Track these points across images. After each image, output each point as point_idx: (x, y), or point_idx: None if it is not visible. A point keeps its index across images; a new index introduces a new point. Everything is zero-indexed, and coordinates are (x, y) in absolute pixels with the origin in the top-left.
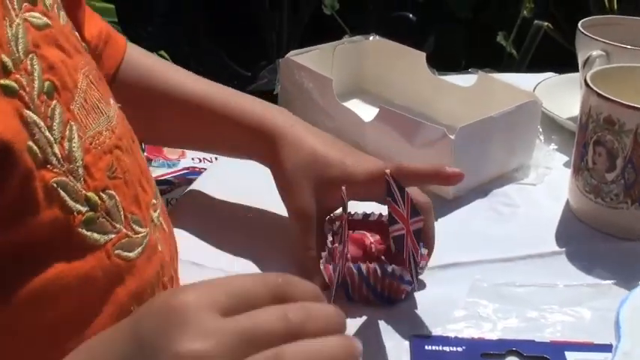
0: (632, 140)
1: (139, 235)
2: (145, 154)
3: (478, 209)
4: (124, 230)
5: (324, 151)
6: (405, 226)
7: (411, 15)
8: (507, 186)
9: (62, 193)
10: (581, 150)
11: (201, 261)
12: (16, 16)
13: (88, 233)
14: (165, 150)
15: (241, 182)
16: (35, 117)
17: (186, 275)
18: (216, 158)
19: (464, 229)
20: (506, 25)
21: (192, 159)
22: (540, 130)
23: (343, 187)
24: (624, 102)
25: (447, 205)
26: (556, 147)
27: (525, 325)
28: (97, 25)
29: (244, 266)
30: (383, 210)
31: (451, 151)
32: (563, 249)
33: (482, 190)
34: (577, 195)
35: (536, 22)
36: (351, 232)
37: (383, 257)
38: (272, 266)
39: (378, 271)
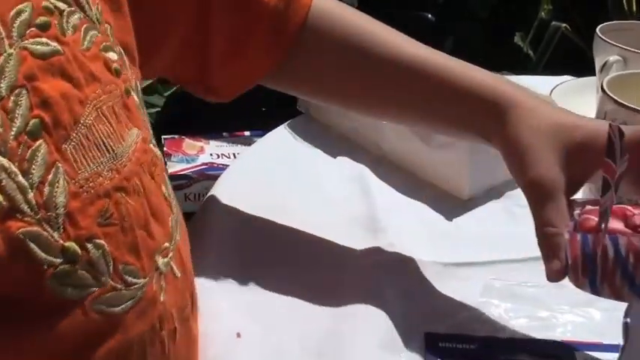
0: None
1: (132, 288)
2: (165, 148)
3: (492, 210)
4: (111, 283)
5: (569, 116)
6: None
7: (430, 15)
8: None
9: (31, 245)
10: None
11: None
12: (10, 45)
13: (61, 288)
14: (184, 145)
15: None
16: (5, 161)
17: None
18: (234, 155)
19: (478, 229)
20: (524, 26)
21: (211, 154)
22: None
23: (611, 124)
24: (630, 105)
25: (463, 206)
26: None
27: (536, 325)
28: None
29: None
30: None
31: (468, 152)
32: None
33: (497, 192)
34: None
35: (553, 23)
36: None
37: None
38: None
39: None
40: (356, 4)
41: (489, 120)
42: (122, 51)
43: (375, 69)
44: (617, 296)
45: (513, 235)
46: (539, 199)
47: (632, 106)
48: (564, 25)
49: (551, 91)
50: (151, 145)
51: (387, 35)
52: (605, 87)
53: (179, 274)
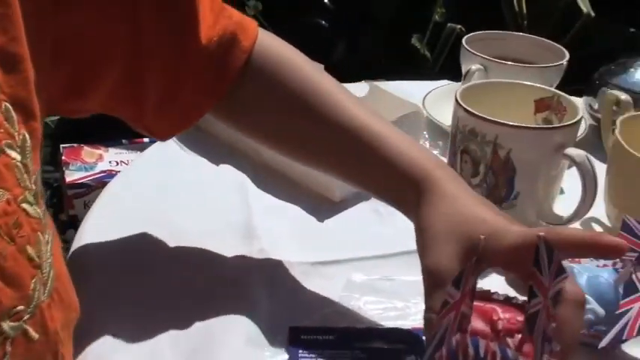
0: (492, 150)
1: None
2: (63, 157)
3: (361, 211)
4: None
5: (478, 209)
6: (543, 299)
7: (323, 21)
8: None
9: None
10: (452, 158)
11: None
12: None
13: None
14: (83, 153)
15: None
16: None
17: None
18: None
19: (346, 229)
20: (421, 29)
21: (110, 162)
22: (427, 136)
23: (482, 237)
24: (484, 116)
25: (334, 208)
26: (440, 152)
27: (392, 315)
28: (220, 24)
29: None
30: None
31: None
32: None
33: (366, 194)
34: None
35: (449, 25)
36: (482, 304)
37: (509, 340)
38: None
39: (498, 355)
40: (260, 7)
41: (409, 197)
42: (9, 107)
43: (311, 124)
44: None
45: (378, 233)
46: (430, 285)
47: (477, 113)
48: (459, 26)
49: (425, 96)
50: (25, 205)
51: (330, 92)
52: (458, 95)
53: (36, 337)
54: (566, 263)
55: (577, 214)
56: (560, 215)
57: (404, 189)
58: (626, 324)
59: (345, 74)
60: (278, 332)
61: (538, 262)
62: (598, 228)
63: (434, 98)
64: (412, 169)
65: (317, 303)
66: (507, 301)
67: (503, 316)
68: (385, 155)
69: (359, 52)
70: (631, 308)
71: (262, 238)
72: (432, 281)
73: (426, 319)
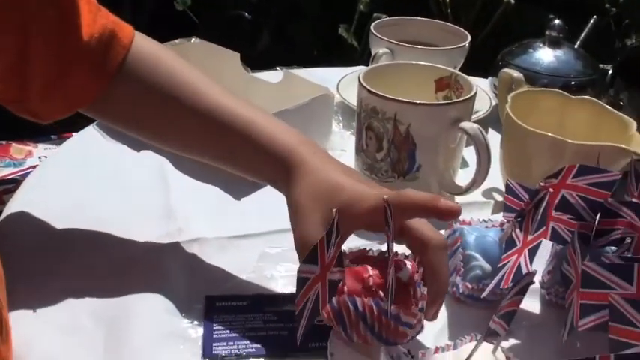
0: (392, 126)
1: None
2: None
3: (264, 189)
4: None
5: (338, 177)
6: (389, 252)
7: (246, 13)
8: None
9: None
10: (358, 135)
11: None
12: None
13: None
14: (12, 150)
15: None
16: None
17: None
18: None
19: (261, 205)
20: (349, 18)
21: (40, 157)
22: (340, 118)
23: (334, 210)
24: (384, 94)
25: (249, 187)
26: (353, 132)
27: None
28: (98, 23)
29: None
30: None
31: None
32: None
33: None
34: (360, 173)
35: (375, 14)
36: (353, 265)
37: (381, 293)
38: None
39: (374, 308)
40: (189, 3)
41: (279, 176)
42: None
43: (185, 116)
44: (364, 340)
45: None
46: (303, 255)
47: (378, 92)
48: (385, 16)
49: (340, 80)
50: None
51: (200, 85)
52: (361, 77)
53: None
54: (457, 226)
55: (474, 183)
56: (459, 185)
57: (274, 169)
58: (503, 275)
59: (273, 64)
60: (195, 301)
61: (388, 222)
62: (499, 197)
63: (347, 82)
64: (278, 149)
65: (232, 273)
66: (381, 256)
67: (373, 272)
68: (254, 139)
69: (286, 43)
70: (509, 261)
71: (180, 216)
72: (304, 250)
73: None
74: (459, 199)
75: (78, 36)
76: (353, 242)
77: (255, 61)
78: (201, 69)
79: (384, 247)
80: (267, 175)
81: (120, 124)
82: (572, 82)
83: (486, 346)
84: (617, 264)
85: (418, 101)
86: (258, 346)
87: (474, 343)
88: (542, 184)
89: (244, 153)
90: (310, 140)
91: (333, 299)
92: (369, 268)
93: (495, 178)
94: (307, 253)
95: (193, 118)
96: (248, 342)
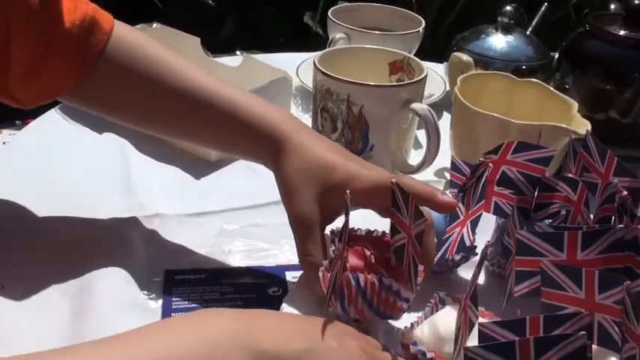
0: (346, 107)
1: None
2: None
3: (237, 168)
4: None
5: (329, 155)
6: (407, 234)
7: (210, 1)
8: None
9: None
10: (314, 116)
11: None
12: None
13: None
14: None
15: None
16: None
17: None
18: None
19: (221, 184)
20: (313, 6)
21: (4, 143)
22: (299, 101)
23: (347, 192)
24: (337, 76)
25: (211, 167)
26: (310, 115)
27: (259, 255)
28: (79, 9)
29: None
30: (386, 227)
31: None
32: None
33: None
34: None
35: (339, 2)
36: (352, 244)
37: (383, 270)
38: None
39: (376, 284)
40: None
41: (267, 153)
42: None
43: (167, 99)
44: (361, 314)
45: (249, 187)
46: (299, 232)
47: (331, 74)
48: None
49: (299, 65)
50: None
51: (181, 67)
52: (316, 60)
53: None
54: None
55: (425, 162)
56: (411, 164)
57: (260, 146)
58: (448, 246)
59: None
60: (155, 275)
61: (396, 203)
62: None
63: (306, 66)
64: (263, 126)
65: (191, 248)
66: (369, 234)
67: (373, 252)
68: (238, 117)
69: (251, 31)
70: (453, 233)
71: (141, 194)
72: (300, 228)
73: (307, 262)
74: (412, 177)
75: (60, 22)
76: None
77: (222, 48)
78: None
79: (388, 229)
80: (254, 152)
81: (101, 109)
82: (523, 67)
83: (451, 308)
84: (549, 233)
85: (370, 83)
86: None
87: (442, 308)
88: (481, 159)
89: (229, 131)
90: (295, 117)
91: (336, 275)
92: (370, 247)
93: (448, 158)
94: (338, 233)
95: (176, 100)
96: None
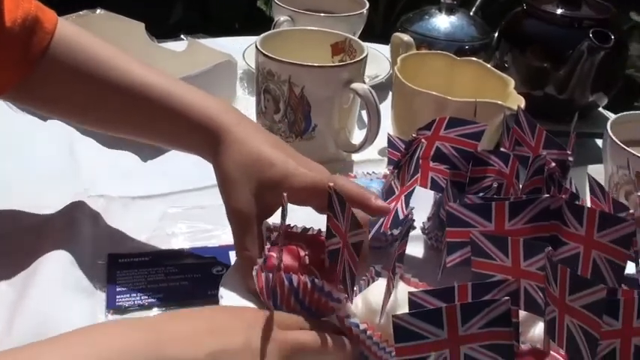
0: (287, 88)
1: None
2: None
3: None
4: None
5: (267, 151)
6: (341, 240)
7: None
8: None
9: None
10: (258, 98)
11: None
12: None
13: None
14: None
15: None
16: None
17: None
18: None
19: (166, 167)
20: None
21: None
22: (246, 84)
23: (284, 194)
24: (278, 57)
25: (157, 150)
26: None
27: (202, 236)
28: (21, 8)
29: None
30: (322, 226)
31: None
32: None
33: None
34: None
35: None
36: (288, 243)
37: (316, 271)
38: None
39: (309, 285)
40: None
41: (206, 145)
42: None
43: (106, 96)
44: (294, 313)
45: (195, 169)
46: (236, 225)
47: (272, 56)
48: None
49: (246, 49)
50: None
51: (121, 63)
52: (258, 42)
53: None
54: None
55: (367, 140)
56: (354, 144)
57: (197, 137)
58: (383, 220)
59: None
60: (99, 258)
61: (332, 207)
62: None
63: (252, 50)
64: (202, 119)
65: (135, 231)
66: (304, 232)
67: (308, 252)
68: (174, 110)
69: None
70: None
71: (86, 178)
72: (238, 221)
73: (244, 257)
74: (355, 156)
75: (0, 22)
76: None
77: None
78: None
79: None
80: (192, 144)
81: (43, 107)
82: (466, 47)
83: (385, 282)
84: (477, 204)
85: (310, 64)
86: (160, 296)
87: (376, 281)
88: (414, 135)
89: (166, 124)
90: (236, 109)
91: (270, 275)
92: (304, 246)
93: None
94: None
95: (114, 96)
96: (150, 293)
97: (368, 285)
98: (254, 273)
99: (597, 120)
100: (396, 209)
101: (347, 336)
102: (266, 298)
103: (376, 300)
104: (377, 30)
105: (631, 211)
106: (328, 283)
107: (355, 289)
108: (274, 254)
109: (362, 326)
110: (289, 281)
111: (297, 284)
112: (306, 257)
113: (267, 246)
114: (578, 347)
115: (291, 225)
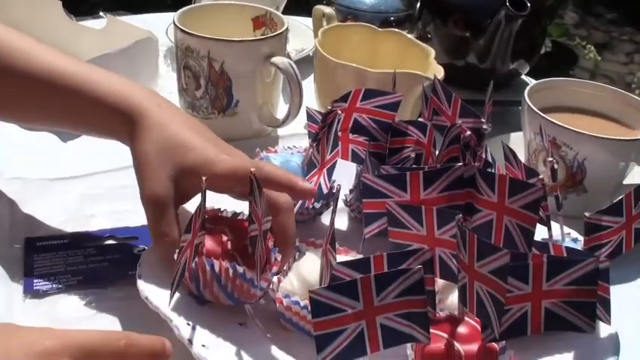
0: (207, 63)
1: None
2: None
3: None
4: None
5: (187, 135)
6: (259, 227)
7: None
8: None
9: None
10: (178, 74)
11: None
12: None
13: None
14: None
15: None
16: None
17: None
18: None
19: (83, 148)
20: None
21: None
22: (169, 61)
23: (204, 178)
24: (196, 33)
25: None
26: None
27: (122, 216)
28: None
29: None
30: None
31: None
32: None
33: None
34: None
35: None
36: (212, 227)
37: (238, 257)
38: None
39: (230, 271)
40: None
41: (123, 131)
42: None
43: (19, 83)
44: (216, 299)
45: (115, 149)
46: (152, 210)
47: (191, 32)
48: None
49: (169, 25)
50: None
51: (28, 48)
52: (175, 18)
53: None
54: (263, 154)
55: (290, 115)
56: (277, 118)
57: (114, 122)
58: None
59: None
60: (16, 242)
61: (253, 193)
62: None
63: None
64: (116, 101)
65: (54, 214)
66: (234, 217)
67: (231, 237)
68: (89, 95)
69: None
70: (311, 182)
71: (1, 160)
72: (153, 206)
73: (161, 243)
74: (280, 130)
75: None
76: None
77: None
78: (22, 18)
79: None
80: (109, 128)
81: None
82: (392, 18)
83: (313, 254)
84: (392, 174)
85: (229, 38)
86: (79, 278)
87: (303, 256)
88: (329, 107)
89: (81, 110)
90: (154, 92)
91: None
92: (228, 232)
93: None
94: (188, 222)
95: (26, 83)
96: (69, 276)
97: (294, 261)
98: (175, 257)
99: (521, 88)
100: (319, 183)
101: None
102: (189, 282)
103: (311, 274)
104: (311, 3)
105: (540, 176)
106: (250, 269)
107: (285, 267)
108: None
109: (303, 303)
110: (211, 267)
111: (218, 270)
112: (229, 242)
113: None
114: (487, 312)
115: (222, 209)
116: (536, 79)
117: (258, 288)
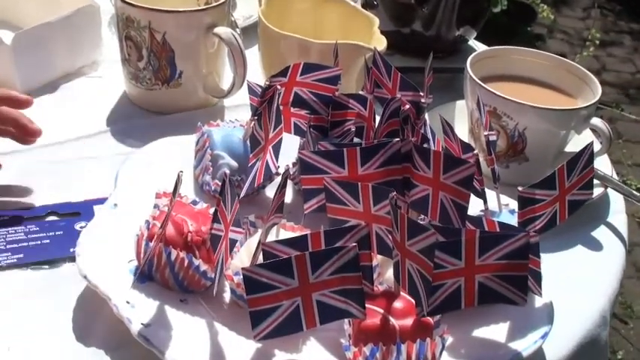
0: (149, 34)
1: None
2: None
3: (46, 101)
4: None
5: None
6: (225, 231)
7: None
8: (76, 80)
9: None
10: (120, 45)
11: None
12: None
13: None
14: None
15: None
16: None
17: None
18: None
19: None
20: None
21: None
22: (114, 29)
23: (180, 171)
24: (135, 3)
25: None
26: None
27: (66, 194)
28: None
29: None
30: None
31: (10, 55)
32: (109, 128)
33: (51, 86)
34: (127, 83)
35: None
36: (174, 213)
37: (196, 250)
38: None
39: (185, 261)
40: None
41: None
42: None
43: None
44: (166, 285)
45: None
46: None
47: (129, 1)
48: None
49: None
50: None
51: None
52: None
53: None
54: (205, 128)
55: (234, 86)
56: (222, 89)
57: None
58: (255, 175)
59: None
60: None
61: (223, 195)
62: None
63: None
64: None
65: None
66: (193, 204)
67: (192, 228)
68: None
69: None
70: (257, 160)
71: None
72: None
73: None
74: (227, 101)
75: None
76: None
77: None
78: None
79: None
80: None
81: None
82: None
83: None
84: (330, 151)
85: (169, 9)
86: (20, 256)
87: (256, 233)
88: (267, 82)
89: None
90: None
91: (150, 243)
92: (190, 222)
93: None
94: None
95: None
96: (9, 254)
97: (247, 238)
98: (135, 237)
99: (470, 54)
100: (266, 162)
101: None
102: (141, 264)
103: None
104: None
105: (475, 151)
106: (205, 261)
107: (237, 244)
108: (158, 223)
109: None
110: (167, 254)
111: (174, 259)
112: (189, 234)
113: (155, 213)
114: (417, 289)
115: (182, 195)
116: (495, 39)
117: (209, 279)
